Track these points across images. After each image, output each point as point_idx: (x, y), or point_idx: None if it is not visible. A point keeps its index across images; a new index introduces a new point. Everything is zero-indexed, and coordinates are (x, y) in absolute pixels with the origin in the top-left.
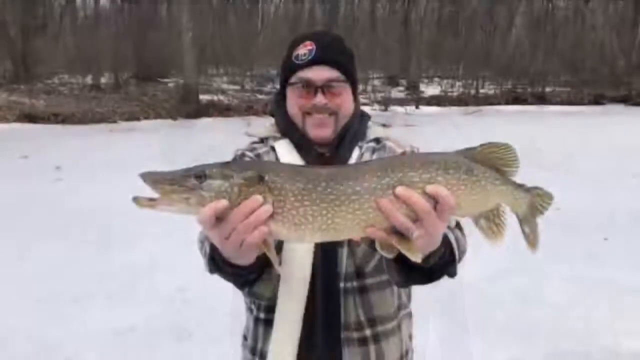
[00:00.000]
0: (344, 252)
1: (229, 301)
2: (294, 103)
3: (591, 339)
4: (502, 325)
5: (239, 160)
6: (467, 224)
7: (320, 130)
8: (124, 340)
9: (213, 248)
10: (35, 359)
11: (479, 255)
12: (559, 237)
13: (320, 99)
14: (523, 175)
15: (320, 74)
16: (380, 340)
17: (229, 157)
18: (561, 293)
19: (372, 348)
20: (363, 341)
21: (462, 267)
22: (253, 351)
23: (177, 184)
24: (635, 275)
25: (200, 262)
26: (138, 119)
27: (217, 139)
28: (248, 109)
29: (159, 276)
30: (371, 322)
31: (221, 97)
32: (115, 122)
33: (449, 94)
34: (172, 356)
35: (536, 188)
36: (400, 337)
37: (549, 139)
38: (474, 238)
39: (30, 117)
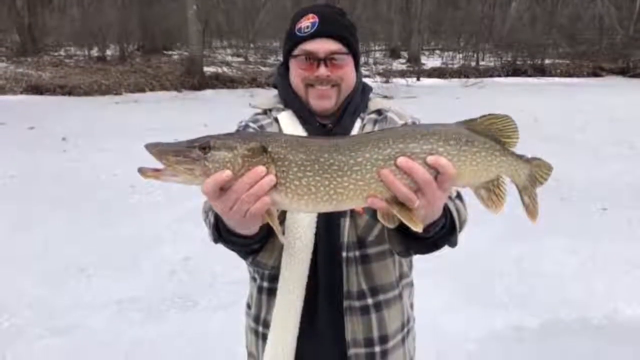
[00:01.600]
0: (346, 222)
1: (233, 270)
2: (296, 75)
3: (589, 308)
4: (501, 294)
5: (242, 131)
6: (467, 194)
7: (323, 101)
8: (128, 310)
9: (217, 218)
10: (40, 327)
11: (479, 226)
12: (558, 208)
13: (322, 70)
14: (522, 147)
15: (322, 46)
16: (381, 308)
17: (232, 129)
18: (560, 263)
19: (373, 316)
20: (365, 310)
21: (462, 237)
22: (257, 319)
23: (181, 155)
24: (633, 245)
25: (204, 232)
26: (143, 91)
27: (221, 111)
28: (252, 81)
29: (163, 246)
30: (373, 291)
31: (225, 69)
32: (120, 93)
33: (450, 66)
34: (176, 326)
35: (535, 159)
36: (401, 305)
37: (549, 111)
38: (474, 208)
39: (37, 89)
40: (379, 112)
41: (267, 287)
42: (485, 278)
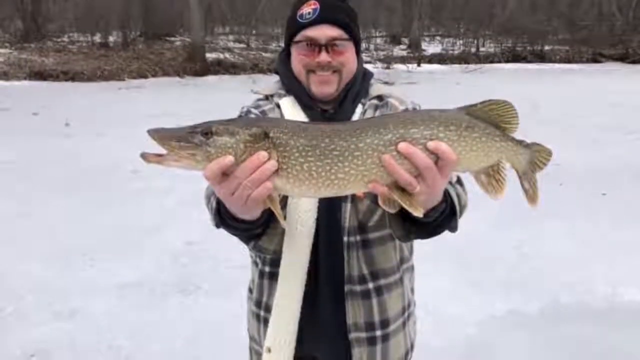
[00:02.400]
0: (347, 207)
1: (235, 255)
2: (298, 61)
3: (589, 291)
4: (502, 278)
5: (244, 117)
6: (467, 179)
7: (324, 87)
8: (131, 294)
9: (219, 203)
10: (43, 310)
11: (479, 210)
12: (558, 193)
13: (323, 56)
14: (522, 132)
15: (324, 32)
16: (382, 293)
17: (234, 114)
18: (560, 247)
19: (374, 301)
20: (366, 294)
21: (463, 222)
22: (258, 304)
23: (183, 141)
24: (632, 229)
25: (207, 217)
26: (145, 77)
27: (223, 97)
28: (254, 67)
29: (165, 231)
30: (374, 275)
31: (227, 56)
32: (123, 79)
33: (450, 52)
34: (178, 310)
35: (535, 144)
36: (402, 289)
37: (548, 96)
38: (474, 193)
39: (41, 75)
40: (380, 97)
41: (268, 272)
42: (485, 262)
